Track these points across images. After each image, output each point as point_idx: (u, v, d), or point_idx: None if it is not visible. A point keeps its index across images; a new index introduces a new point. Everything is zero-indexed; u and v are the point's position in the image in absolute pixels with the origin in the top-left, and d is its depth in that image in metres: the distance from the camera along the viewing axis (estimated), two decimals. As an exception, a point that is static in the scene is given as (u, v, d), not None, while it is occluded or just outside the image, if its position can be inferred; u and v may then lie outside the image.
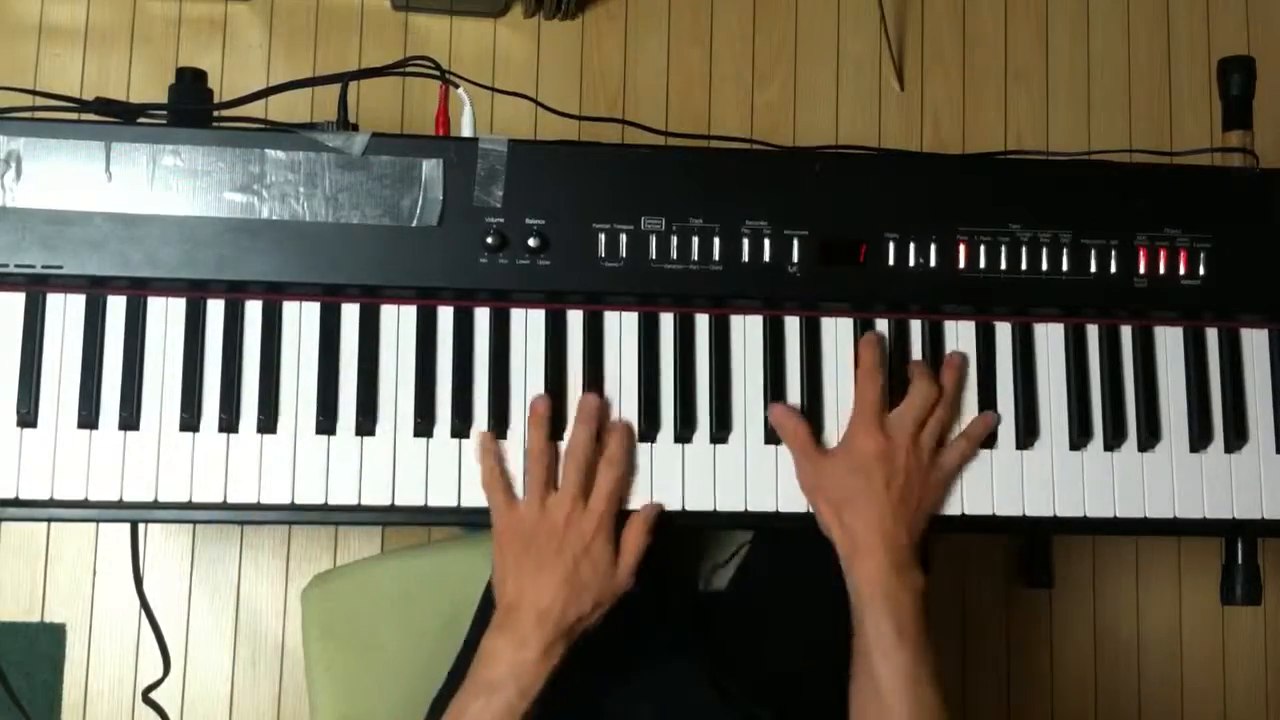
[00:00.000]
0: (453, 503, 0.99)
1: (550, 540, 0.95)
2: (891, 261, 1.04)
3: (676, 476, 1.02)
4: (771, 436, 1.03)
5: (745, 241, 1.02)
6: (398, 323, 1.01)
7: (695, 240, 1.02)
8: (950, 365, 1.04)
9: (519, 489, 0.99)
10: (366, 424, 0.99)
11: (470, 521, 1.00)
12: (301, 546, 1.78)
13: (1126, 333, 1.08)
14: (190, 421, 0.97)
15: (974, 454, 1.04)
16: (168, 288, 0.98)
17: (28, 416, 0.96)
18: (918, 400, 1.01)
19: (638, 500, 1.01)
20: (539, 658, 0.93)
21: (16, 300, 0.97)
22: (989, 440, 1.05)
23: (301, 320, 1.00)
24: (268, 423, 0.98)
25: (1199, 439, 1.07)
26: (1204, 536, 1.11)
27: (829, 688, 1.13)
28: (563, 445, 0.99)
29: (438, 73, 1.05)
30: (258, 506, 0.98)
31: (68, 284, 0.97)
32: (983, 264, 1.05)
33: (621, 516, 0.99)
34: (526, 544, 0.95)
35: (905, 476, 0.98)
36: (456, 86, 1.06)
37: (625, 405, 1.02)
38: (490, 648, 0.94)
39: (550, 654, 0.93)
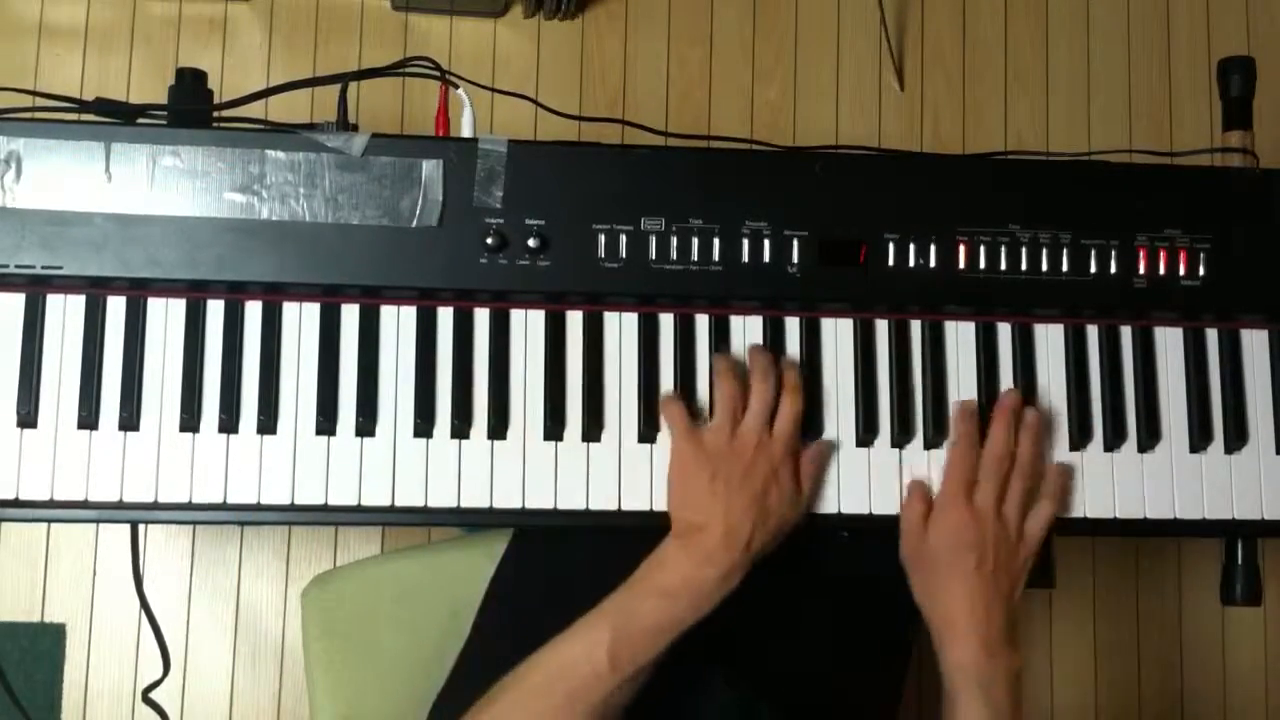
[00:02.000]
0: (453, 503, 0.99)
1: (740, 463, 0.96)
2: (891, 262, 1.04)
3: (676, 477, 1.01)
4: (771, 437, 1.03)
5: (745, 242, 1.02)
6: (398, 323, 1.01)
7: (695, 240, 1.02)
8: (1026, 427, 1.02)
9: (517, 493, 0.99)
10: (366, 425, 0.99)
11: (470, 522, 1.00)
12: (301, 546, 1.78)
13: (1126, 333, 1.08)
14: (190, 422, 0.97)
15: (1061, 510, 1.03)
16: (168, 288, 0.98)
17: (28, 417, 0.96)
18: (993, 470, 1.00)
19: (632, 500, 1.01)
20: (720, 578, 0.93)
21: (16, 301, 0.97)
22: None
23: (301, 321, 1.00)
24: (268, 423, 0.98)
25: (1199, 439, 1.07)
26: (1204, 537, 1.11)
27: (829, 688, 1.13)
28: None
29: (438, 73, 1.05)
30: (258, 507, 0.98)
31: (68, 284, 0.97)
32: (983, 264, 1.05)
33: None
34: (714, 468, 0.96)
35: (995, 555, 0.98)
36: (456, 87, 1.06)
37: (625, 405, 1.02)
38: (668, 556, 0.94)
39: (730, 576, 0.94)
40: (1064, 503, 1.04)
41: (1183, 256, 1.07)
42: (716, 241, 1.02)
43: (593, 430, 1.01)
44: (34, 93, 1.01)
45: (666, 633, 0.93)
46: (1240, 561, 1.12)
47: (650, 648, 0.92)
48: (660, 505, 1.01)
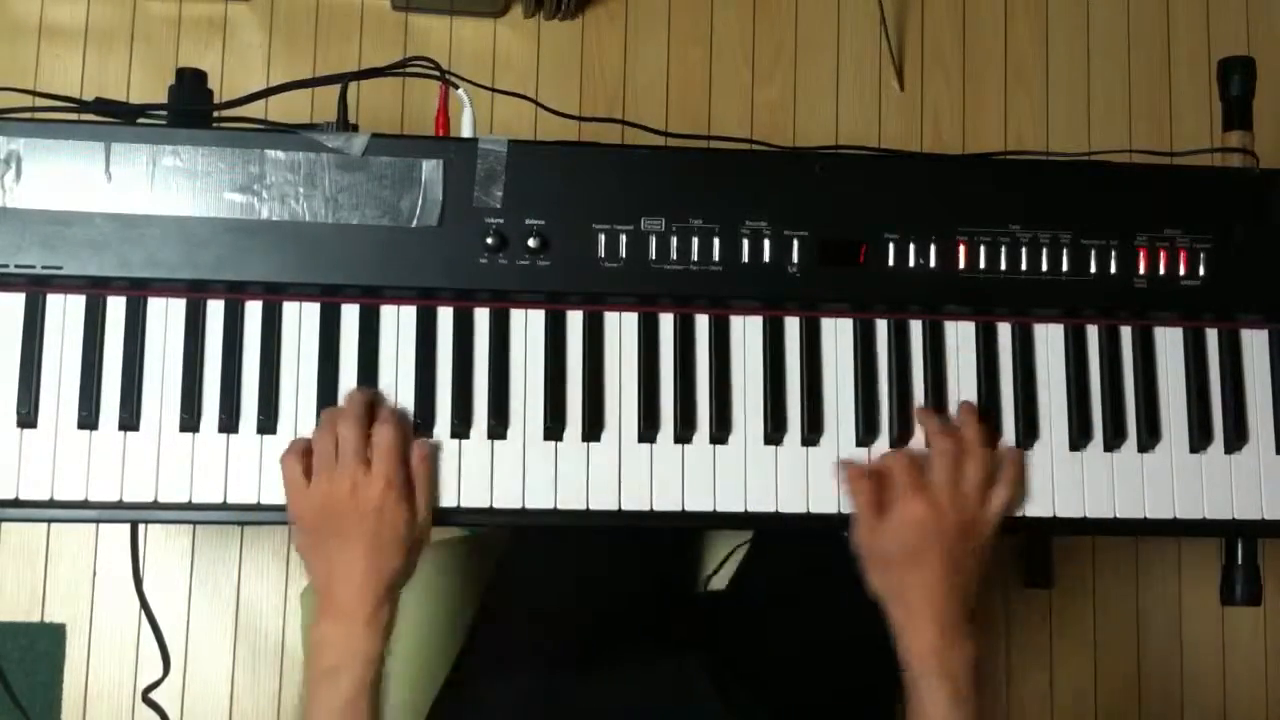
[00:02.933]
0: (453, 503, 0.99)
1: (342, 512, 0.93)
2: (891, 262, 1.04)
3: (676, 476, 1.02)
4: (771, 437, 1.03)
5: (745, 242, 1.02)
6: (398, 323, 1.01)
7: (695, 240, 1.02)
8: (965, 411, 1.03)
9: (517, 493, 0.99)
10: (366, 424, 0.98)
11: (470, 522, 1.00)
12: (301, 546, 1.78)
13: (1126, 333, 1.08)
14: (190, 422, 0.97)
15: (1017, 494, 1.02)
16: (168, 288, 0.98)
17: (28, 417, 0.96)
18: (943, 458, 1.00)
19: (632, 500, 1.01)
20: (366, 625, 0.92)
21: (16, 301, 0.97)
22: (990, 441, 1.05)
23: (301, 321, 1.00)
24: (268, 423, 0.98)
25: (1199, 439, 1.07)
26: (1204, 537, 1.11)
27: (828, 688, 1.13)
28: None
29: (438, 73, 1.05)
30: (258, 507, 0.98)
31: (68, 284, 0.97)
32: (983, 264, 1.05)
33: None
34: (322, 521, 0.94)
35: (953, 542, 0.98)
36: (456, 87, 1.06)
37: (625, 405, 1.02)
38: (319, 636, 0.94)
39: (377, 616, 0.93)
40: (1020, 488, 1.03)
41: (1183, 256, 1.07)
42: (716, 241, 1.02)
43: (593, 430, 1.01)
44: (34, 93, 1.01)
45: (359, 700, 0.92)
46: (1240, 561, 1.12)
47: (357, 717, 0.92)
48: (659, 505, 1.01)
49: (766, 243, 1.02)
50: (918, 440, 1.04)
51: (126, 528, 1.15)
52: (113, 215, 0.96)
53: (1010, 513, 1.02)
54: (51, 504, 0.96)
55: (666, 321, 1.04)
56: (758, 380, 1.04)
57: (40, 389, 0.96)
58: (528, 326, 1.02)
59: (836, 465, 1.02)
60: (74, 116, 1.02)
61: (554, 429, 1.01)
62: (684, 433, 1.02)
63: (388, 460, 0.94)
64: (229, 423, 0.97)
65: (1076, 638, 1.91)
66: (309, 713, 0.93)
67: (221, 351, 0.98)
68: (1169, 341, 1.09)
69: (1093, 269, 1.06)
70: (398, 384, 1.00)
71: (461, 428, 1.00)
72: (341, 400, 0.98)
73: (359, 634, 0.92)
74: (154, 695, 1.20)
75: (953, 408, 1.05)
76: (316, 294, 1.00)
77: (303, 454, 0.95)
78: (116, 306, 0.98)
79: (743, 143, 1.16)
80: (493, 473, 1.00)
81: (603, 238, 1.01)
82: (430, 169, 0.99)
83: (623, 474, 1.01)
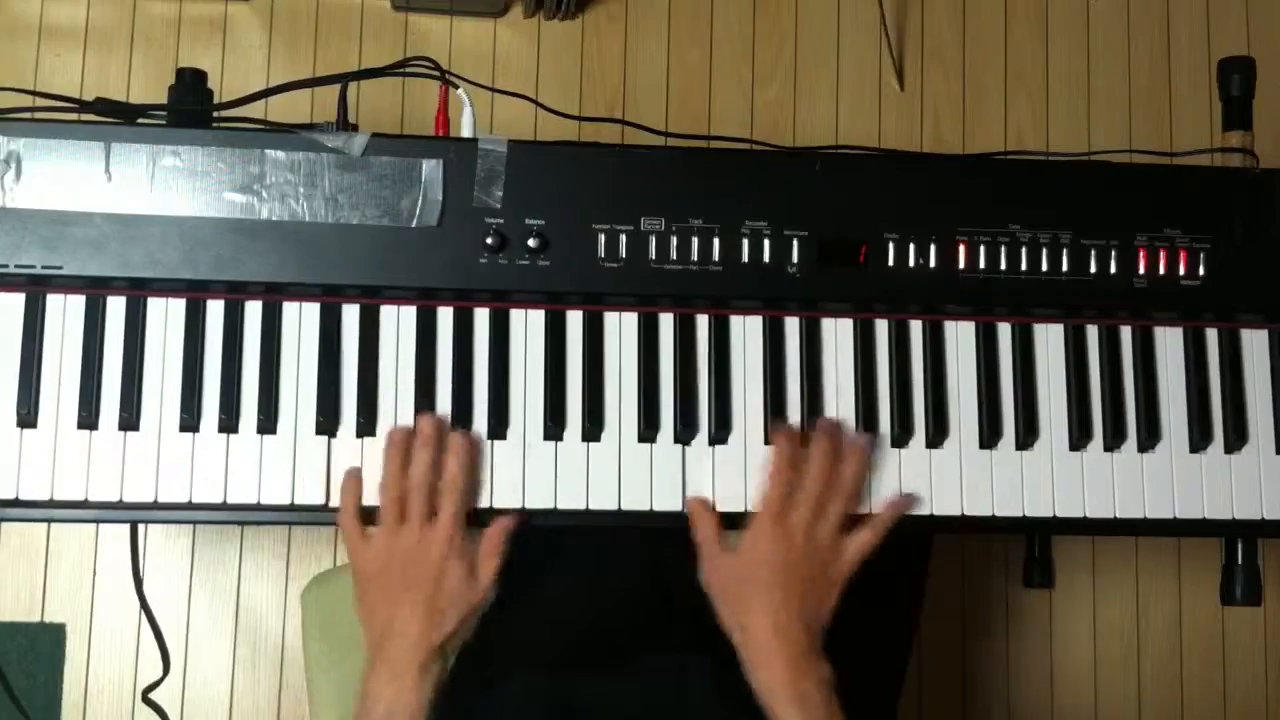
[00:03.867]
0: (453, 503, 0.99)
1: (404, 570, 0.95)
2: (891, 261, 1.04)
3: (676, 476, 1.02)
4: (771, 438, 1.03)
5: (745, 241, 1.02)
6: (398, 323, 1.01)
7: (695, 240, 1.02)
8: (850, 453, 1.00)
9: (517, 492, 0.99)
10: (366, 425, 0.99)
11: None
12: (301, 546, 1.78)
13: (1126, 333, 1.08)
14: (190, 422, 0.97)
15: (879, 540, 1.00)
16: (168, 288, 0.98)
17: (28, 417, 0.96)
18: (811, 489, 0.98)
19: (632, 500, 1.01)
20: (416, 681, 0.94)
21: (16, 301, 0.97)
22: (990, 441, 1.05)
23: (301, 321, 1.00)
24: (268, 423, 0.98)
25: (1199, 439, 1.07)
26: (1204, 537, 1.11)
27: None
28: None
29: (438, 73, 1.05)
30: (258, 507, 0.98)
31: (68, 284, 0.97)
32: (983, 264, 1.05)
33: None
34: (383, 578, 0.96)
35: (803, 577, 0.96)
36: (456, 87, 1.06)
37: (625, 406, 1.02)
38: (370, 689, 0.95)
39: (426, 675, 0.95)
40: (883, 532, 1.00)
41: (1183, 256, 1.07)
42: (716, 241, 1.02)
43: (593, 430, 1.01)
44: (34, 93, 1.01)
45: None
46: (1240, 561, 1.12)
47: None
48: (660, 505, 1.01)
49: (766, 243, 1.02)
50: (917, 441, 1.04)
51: (126, 528, 1.15)
52: (113, 215, 0.96)
53: (869, 553, 0.99)
54: (51, 504, 0.96)
55: (666, 321, 1.04)
56: (757, 380, 1.04)
57: (40, 389, 0.96)
58: (528, 326, 1.02)
59: (685, 497, 1.01)
60: (74, 116, 1.02)
61: (554, 429, 1.01)
62: (684, 433, 1.02)
63: (453, 526, 0.96)
64: (229, 423, 0.97)
65: (1076, 638, 1.91)
66: None
67: (221, 351, 0.98)
68: (1169, 341, 1.09)
69: (1093, 269, 1.06)
70: (398, 384, 1.00)
71: (461, 428, 0.99)
72: (343, 395, 0.98)
73: (408, 688, 0.94)
74: (154, 695, 1.20)
75: (953, 408, 1.05)
76: (316, 294, 1.00)
77: (358, 503, 0.97)
78: (116, 306, 0.98)
79: (743, 143, 1.16)
80: (493, 472, 1.00)
81: (603, 238, 1.01)
82: (430, 169, 0.99)
83: (623, 474, 1.01)
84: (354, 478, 0.98)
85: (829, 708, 0.95)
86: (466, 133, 1.05)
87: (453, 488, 0.97)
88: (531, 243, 0.99)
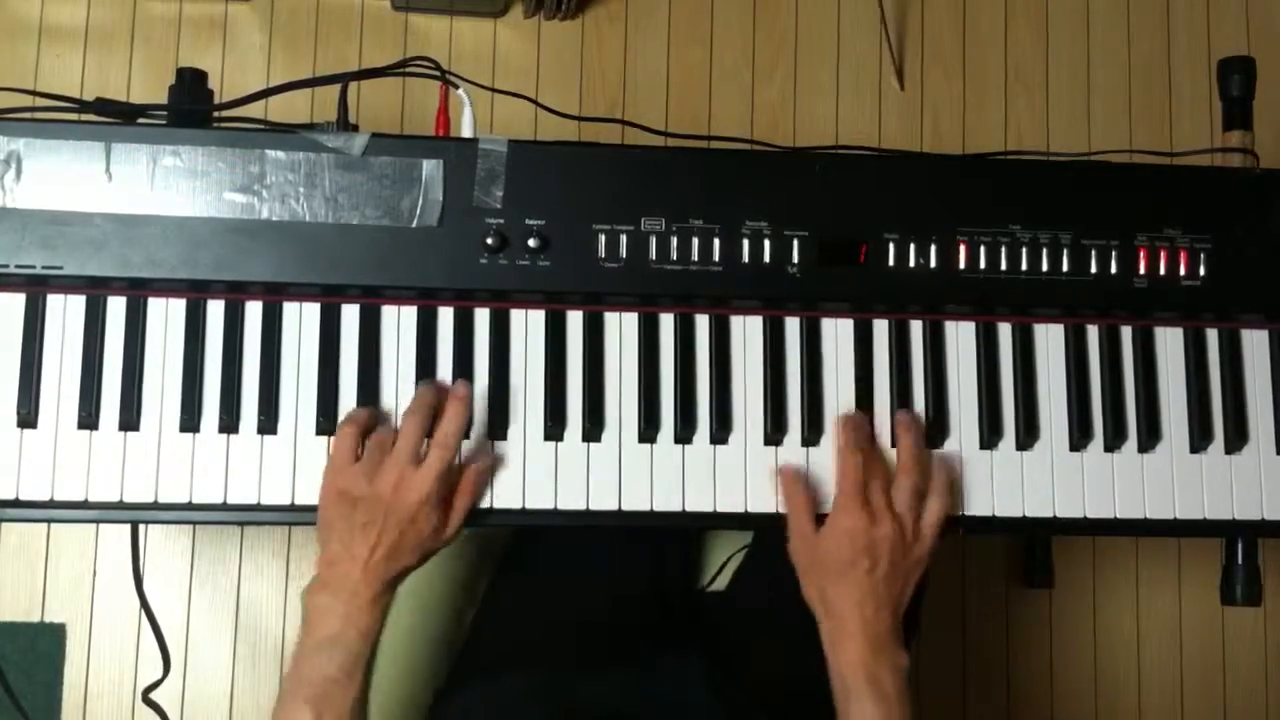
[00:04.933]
0: (453, 503, 0.99)
1: (377, 505, 0.93)
2: (891, 261, 1.04)
3: (676, 476, 1.02)
4: (771, 438, 1.03)
5: (745, 241, 1.02)
6: (398, 323, 1.01)
7: (695, 240, 1.02)
8: (903, 426, 1.02)
9: (517, 492, 0.99)
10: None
11: (470, 522, 0.99)
12: (301, 546, 1.78)
13: (1126, 333, 1.08)
14: (190, 422, 0.97)
15: (950, 502, 1.02)
16: (168, 288, 0.98)
17: (28, 417, 0.96)
18: (885, 467, 1.00)
19: (632, 500, 1.01)
20: (370, 602, 0.93)
21: (16, 301, 0.97)
22: (990, 441, 1.05)
23: (301, 321, 1.00)
24: (268, 423, 0.98)
25: (1199, 439, 1.07)
26: (1204, 537, 1.11)
27: (827, 689, 1.13)
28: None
29: (438, 73, 1.05)
30: (258, 507, 0.98)
31: (68, 284, 0.97)
32: (983, 264, 1.05)
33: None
34: (353, 504, 0.94)
35: (889, 557, 0.97)
36: (456, 87, 1.06)
37: (625, 405, 1.02)
38: (318, 606, 0.93)
39: (380, 599, 0.94)
40: (952, 499, 1.02)
41: (1183, 256, 1.07)
42: (716, 241, 1.02)
43: (593, 430, 1.01)
44: (34, 93, 1.01)
45: (355, 671, 0.92)
46: (1240, 561, 1.12)
47: (345, 692, 0.92)
48: (659, 505, 1.01)
49: (766, 243, 1.02)
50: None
51: (126, 528, 1.15)
52: (113, 215, 0.96)
53: (948, 521, 1.01)
54: (51, 504, 0.96)
55: (666, 321, 1.04)
56: (758, 380, 1.04)
57: (40, 389, 0.96)
58: (528, 327, 1.02)
59: (775, 469, 1.01)
60: (74, 116, 1.02)
61: (554, 429, 1.01)
62: (684, 433, 1.02)
63: (435, 472, 0.94)
64: (229, 423, 0.97)
65: (1076, 638, 1.91)
66: (297, 679, 0.92)
67: (222, 352, 0.98)
68: (1169, 341, 1.09)
69: (1093, 269, 1.06)
70: (398, 384, 1.00)
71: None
72: (343, 395, 0.98)
73: (361, 610, 0.93)
74: (154, 695, 1.20)
75: (954, 408, 1.05)
76: (317, 294, 1.00)
77: (360, 432, 0.96)
78: (116, 306, 0.98)
79: (743, 143, 1.17)
80: (493, 472, 1.00)
81: (603, 238, 1.01)
82: (430, 169, 0.99)
83: (623, 474, 1.01)
84: (360, 413, 0.97)
85: (901, 698, 0.95)
86: (466, 133, 1.05)
87: (442, 445, 0.95)
88: (531, 243, 0.99)
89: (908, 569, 0.99)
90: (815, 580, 0.99)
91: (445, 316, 1.01)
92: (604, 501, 1.01)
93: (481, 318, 1.02)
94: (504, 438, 1.00)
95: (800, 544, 1.00)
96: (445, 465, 0.95)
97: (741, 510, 1.02)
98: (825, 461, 1.03)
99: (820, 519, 1.00)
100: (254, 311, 0.99)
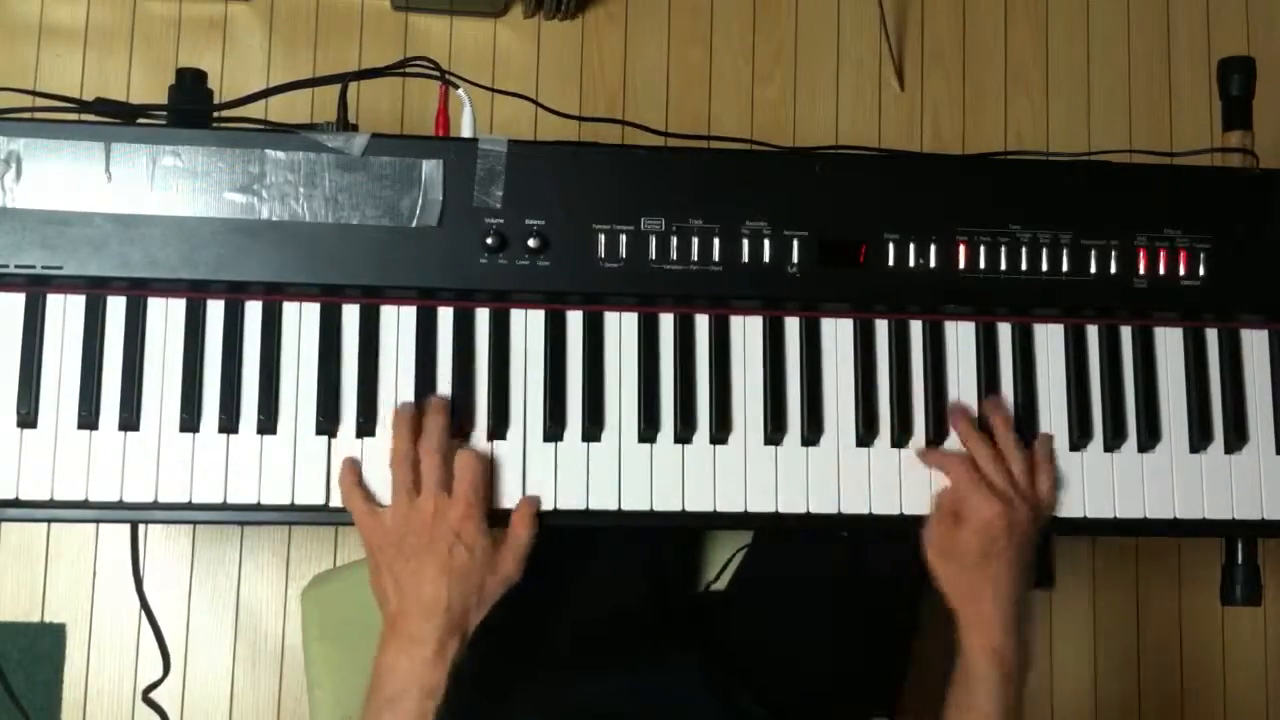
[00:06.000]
0: (453, 503, 0.99)
1: (421, 536, 0.93)
2: (891, 262, 1.04)
3: (676, 476, 1.02)
4: (771, 437, 1.03)
5: (745, 241, 1.02)
6: (398, 323, 1.01)
7: (695, 240, 1.02)
8: (995, 408, 1.05)
9: (517, 492, 0.99)
10: (366, 424, 0.98)
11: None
12: (301, 546, 1.78)
13: (1126, 333, 1.08)
14: (190, 422, 0.97)
15: (1055, 471, 1.05)
16: (168, 288, 0.98)
17: (28, 417, 0.96)
18: (988, 454, 1.02)
19: (632, 500, 1.01)
20: (435, 655, 0.92)
21: (16, 301, 0.97)
22: (991, 441, 1.05)
23: (301, 321, 1.00)
24: (268, 423, 0.98)
25: (1199, 439, 1.07)
26: (1204, 537, 1.11)
27: (827, 688, 1.13)
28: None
29: (438, 73, 1.05)
30: (258, 507, 0.98)
31: (68, 284, 0.97)
32: (983, 264, 1.05)
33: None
34: (398, 546, 0.94)
35: (1025, 536, 1.00)
36: (456, 87, 1.06)
37: (625, 405, 1.02)
38: (384, 663, 0.93)
39: (445, 649, 0.92)
40: (1051, 463, 1.05)
41: (1183, 256, 1.07)
42: (716, 241, 1.02)
43: (593, 430, 1.01)
44: (34, 93, 1.01)
45: None
46: (1240, 561, 1.12)
47: None
48: (659, 505, 1.01)
49: (766, 243, 1.02)
50: (918, 440, 1.05)
51: (126, 528, 1.15)
52: (113, 215, 0.96)
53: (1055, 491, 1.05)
54: (51, 504, 0.96)
55: (666, 321, 1.04)
56: (758, 380, 1.04)
57: (40, 389, 0.96)
58: (528, 326, 1.02)
59: (916, 455, 1.04)
60: (74, 116, 1.02)
61: (554, 429, 1.00)
62: (684, 433, 1.02)
63: (472, 492, 0.94)
64: (229, 423, 0.97)
65: (1076, 638, 1.91)
66: None
67: (221, 352, 0.98)
68: (1169, 341, 1.09)
69: (1093, 269, 1.06)
70: (398, 384, 1.00)
71: (461, 428, 0.99)
72: (343, 395, 0.98)
73: (426, 664, 0.92)
74: (154, 695, 1.20)
75: (949, 410, 1.05)
76: (316, 294, 1.00)
77: (359, 482, 0.96)
78: (116, 306, 0.98)
79: (743, 143, 1.16)
80: (493, 472, 0.99)
81: (603, 238, 1.01)
82: (430, 169, 0.99)
83: (622, 474, 1.01)
84: (350, 460, 0.97)
85: (1020, 675, 0.99)
86: (466, 133, 1.05)
87: (470, 457, 0.96)
88: (531, 243, 0.99)
89: (1036, 541, 1.02)
90: (956, 569, 1.00)
91: (445, 316, 1.01)
92: (604, 501, 1.01)
93: (481, 318, 1.02)
94: (503, 438, 1.00)
95: (942, 539, 1.01)
96: (477, 478, 0.95)
97: (741, 510, 1.02)
98: (825, 461, 1.03)
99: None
100: (254, 311, 0.99)
